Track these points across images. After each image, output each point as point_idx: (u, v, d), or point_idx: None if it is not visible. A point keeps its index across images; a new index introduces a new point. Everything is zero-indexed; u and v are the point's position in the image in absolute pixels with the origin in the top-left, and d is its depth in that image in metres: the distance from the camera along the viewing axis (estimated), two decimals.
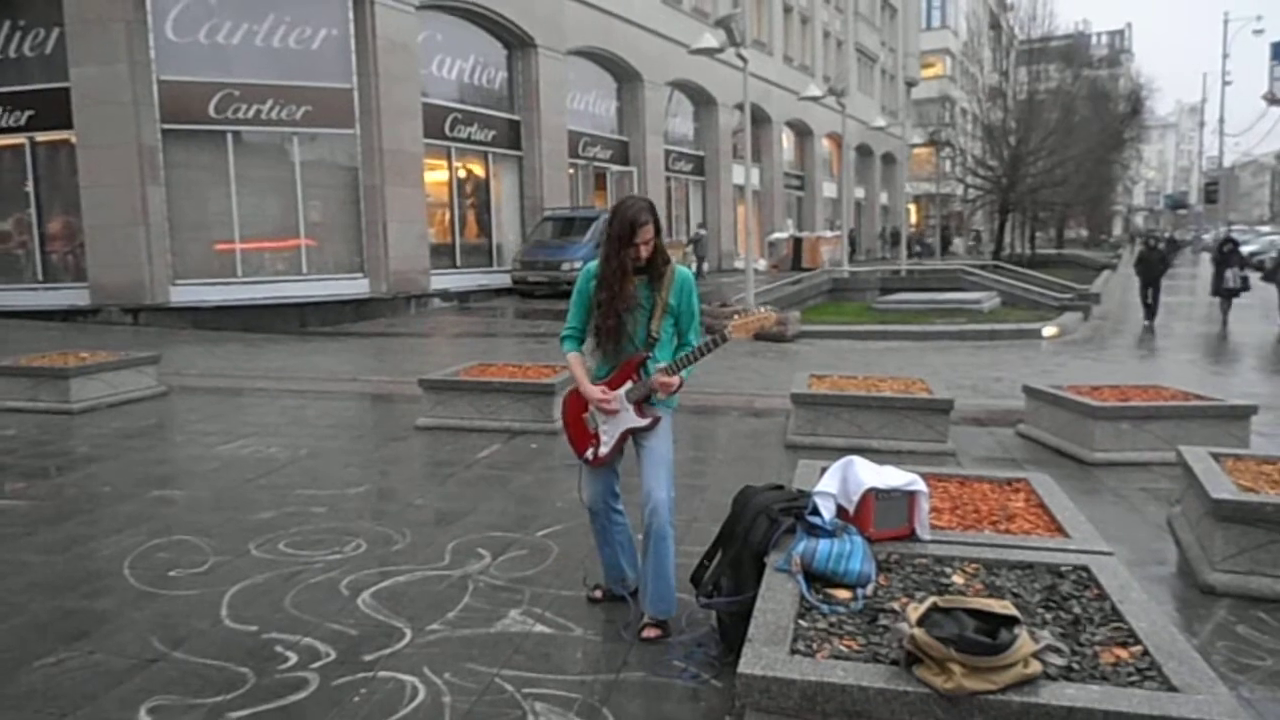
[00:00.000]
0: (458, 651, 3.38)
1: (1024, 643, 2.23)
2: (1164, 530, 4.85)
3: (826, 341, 14.36)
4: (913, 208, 53.71)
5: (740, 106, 18.77)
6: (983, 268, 25.83)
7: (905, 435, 6.68)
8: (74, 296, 16.07)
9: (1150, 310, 17.41)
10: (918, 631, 2.24)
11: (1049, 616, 2.68)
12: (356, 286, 17.43)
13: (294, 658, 3.33)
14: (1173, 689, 2.20)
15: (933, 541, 3.25)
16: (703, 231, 27.36)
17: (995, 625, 2.30)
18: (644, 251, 3.42)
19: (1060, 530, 3.44)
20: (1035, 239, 44.84)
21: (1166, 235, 34.41)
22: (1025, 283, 22.92)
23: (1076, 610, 2.72)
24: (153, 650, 3.40)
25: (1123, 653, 2.42)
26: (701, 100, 29.64)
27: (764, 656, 2.36)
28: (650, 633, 3.47)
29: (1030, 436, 7.06)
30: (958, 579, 2.99)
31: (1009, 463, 6.37)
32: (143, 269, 15.65)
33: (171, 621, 3.66)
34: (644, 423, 3.53)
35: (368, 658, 3.32)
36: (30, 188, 16.64)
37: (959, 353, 13.26)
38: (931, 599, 2.39)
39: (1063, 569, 3.04)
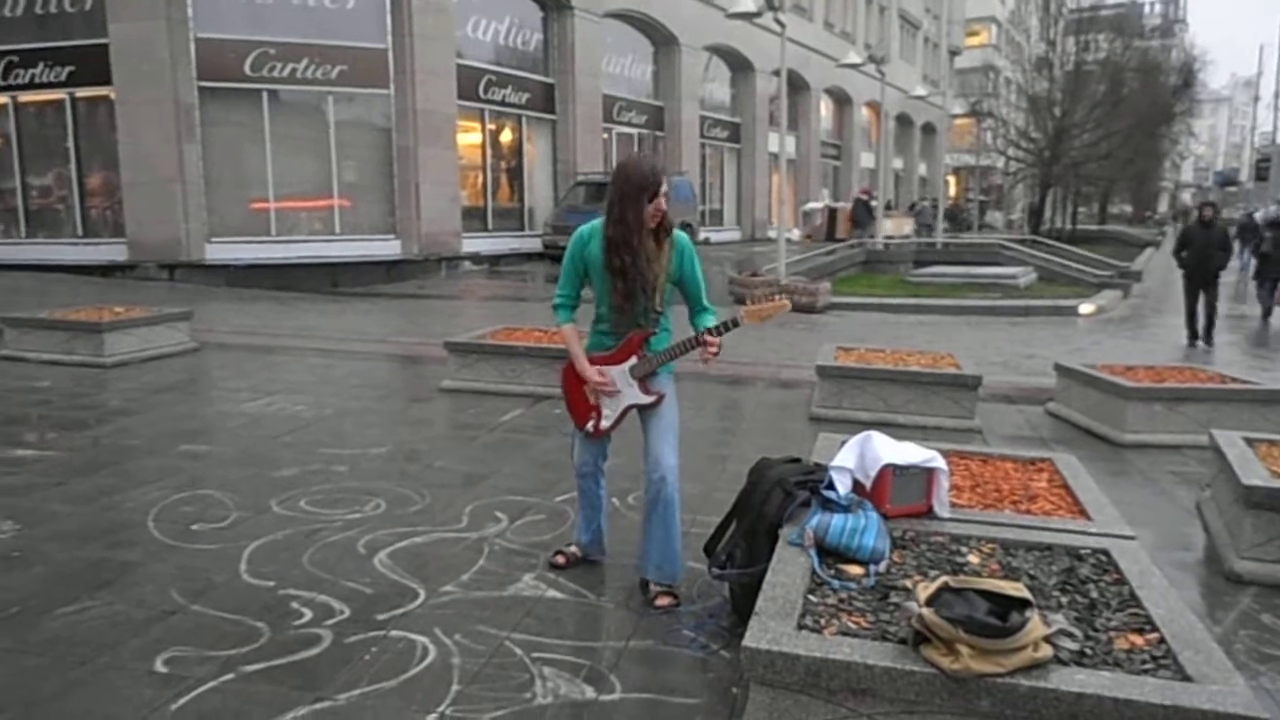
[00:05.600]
0: (470, 613, 3.40)
1: (1035, 626, 2.19)
2: (1193, 515, 4.75)
3: (857, 314, 14.21)
4: (952, 179, 52.81)
5: (778, 73, 18.46)
6: (1021, 242, 25.38)
7: (931, 411, 6.60)
8: (112, 252, 16.30)
9: (1201, 331, 11.50)
10: (926, 611, 2.20)
11: (1065, 600, 2.63)
12: (388, 248, 17.50)
13: (309, 614, 3.37)
14: (1187, 678, 2.15)
15: (950, 520, 3.21)
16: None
17: (1007, 607, 2.26)
18: (664, 204, 3.32)
19: (1082, 512, 3.38)
20: (1077, 214, 43.92)
21: (1250, 213, 23.92)
22: (1064, 258, 22.50)
23: (1093, 594, 2.67)
24: (172, 602, 3.46)
25: (1138, 639, 2.37)
26: (739, 66, 29.21)
27: (770, 630, 2.34)
28: (663, 600, 3.47)
29: (1060, 415, 6.95)
30: (973, 558, 2.94)
31: (1036, 441, 6.27)
32: (179, 226, 15.82)
33: (192, 574, 3.72)
34: (648, 400, 3.50)
35: (381, 617, 3.35)
36: (70, 143, 16.85)
37: (992, 328, 13.06)
38: (943, 578, 2.35)
39: (1082, 552, 2.98)
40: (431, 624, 3.30)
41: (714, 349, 3.41)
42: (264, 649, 3.11)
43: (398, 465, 5.38)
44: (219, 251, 16.19)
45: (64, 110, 16.77)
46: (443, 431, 6.35)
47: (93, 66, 15.92)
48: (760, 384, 8.18)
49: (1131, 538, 3.10)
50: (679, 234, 3.48)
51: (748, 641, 2.29)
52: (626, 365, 3.48)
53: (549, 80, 21.24)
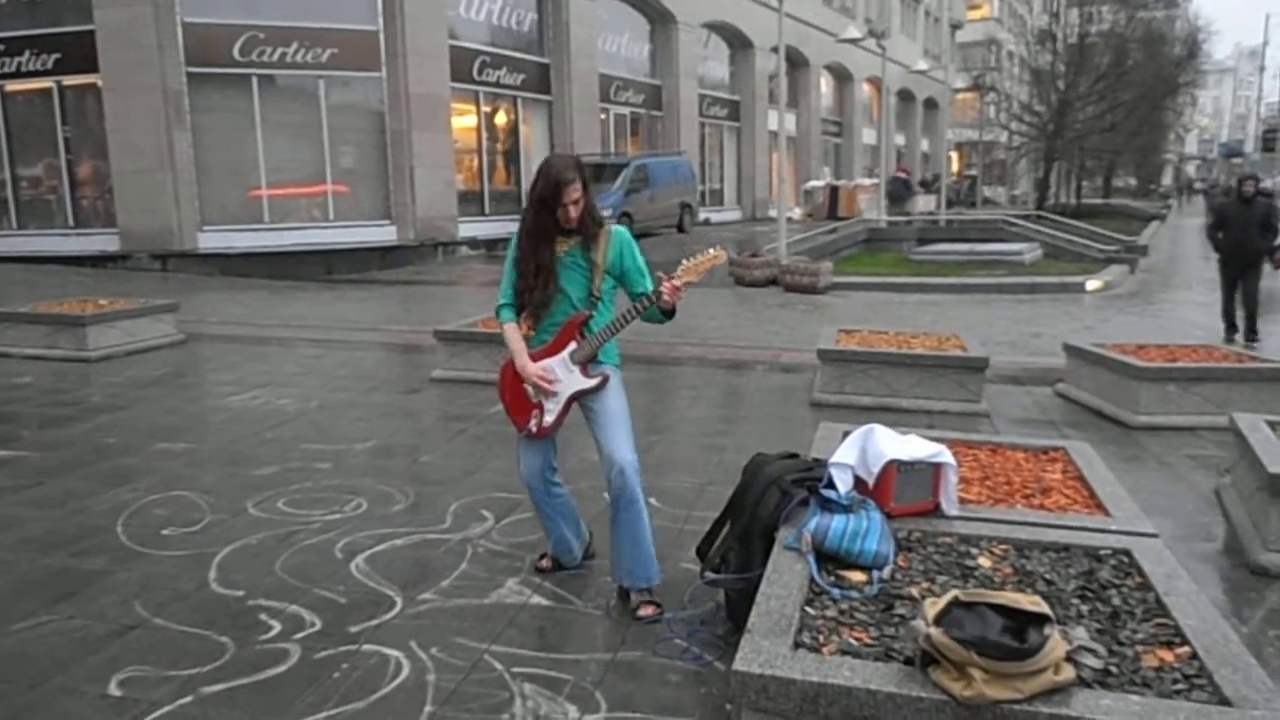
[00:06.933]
0: (448, 624, 3.20)
1: (1055, 645, 1.98)
2: (1212, 502, 4.54)
3: (859, 294, 13.95)
4: (954, 155, 52.28)
5: (777, 49, 18.11)
6: (1025, 218, 25.01)
7: (937, 394, 6.38)
8: (104, 242, 16.06)
9: (1243, 325, 9.84)
10: (934, 631, 1.99)
11: (1085, 608, 2.42)
12: (383, 233, 17.24)
13: (278, 627, 3.18)
14: (1225, 702, 1.94)
15: (959, 518, 2.99)
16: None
17: (1024, 624, 2.05)
18: (573, 212, 3.18)
19: (1100, 507, 3.16)
20: (1081, 188, 43.45)
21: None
22: (1069, 233, 22.15)
23: (1116, 601, 2.46)
24: (133, 615, 3.27)
25: (1168, 655, 2.16)
26: (737, 43, 28.78)
27: (763, 651, 2.13)
28: (646, 610, 3.25)
29: (1070, 397, 6.72)
30: (984, 561, 2.73)
31: (1046, 424, 6.06)
32: (170, 215, 15.58)
33: (157, 584, 3.53)
34: (592, 383, 3.30)
35: (354, 629, 3.16)
36: (59, 133, 16.59)
37: (998, 307, 12.80)
38: (952, 593, 2.14)
39: (1102, 552, 2.77)
40: (407, 636, 3.10)
41: (668, 293, 3.15)
42: (226, 667, 2.91)
43: (382, 461, 5.18)
44: (211, 240, 15.95)
45: (52, 99, 16.48)
46: (431, 424, 6.14)
47: (80, 54, 15.62)
48: (760, 368, 7.96)
49: (1154, 535, 2.89)
50: (616, 228, 3.34)
51: (738, 665, 2.08)
52: (566, 352, 3.28)
53: (544, 60, 20.88)
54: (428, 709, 2.68)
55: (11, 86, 16.60)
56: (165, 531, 4.07)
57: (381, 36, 16.73)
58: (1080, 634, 2.16)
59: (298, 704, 2.70)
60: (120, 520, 4.20)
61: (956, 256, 18.67)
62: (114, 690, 2.78)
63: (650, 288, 3.28)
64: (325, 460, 5.14)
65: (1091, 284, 14.93)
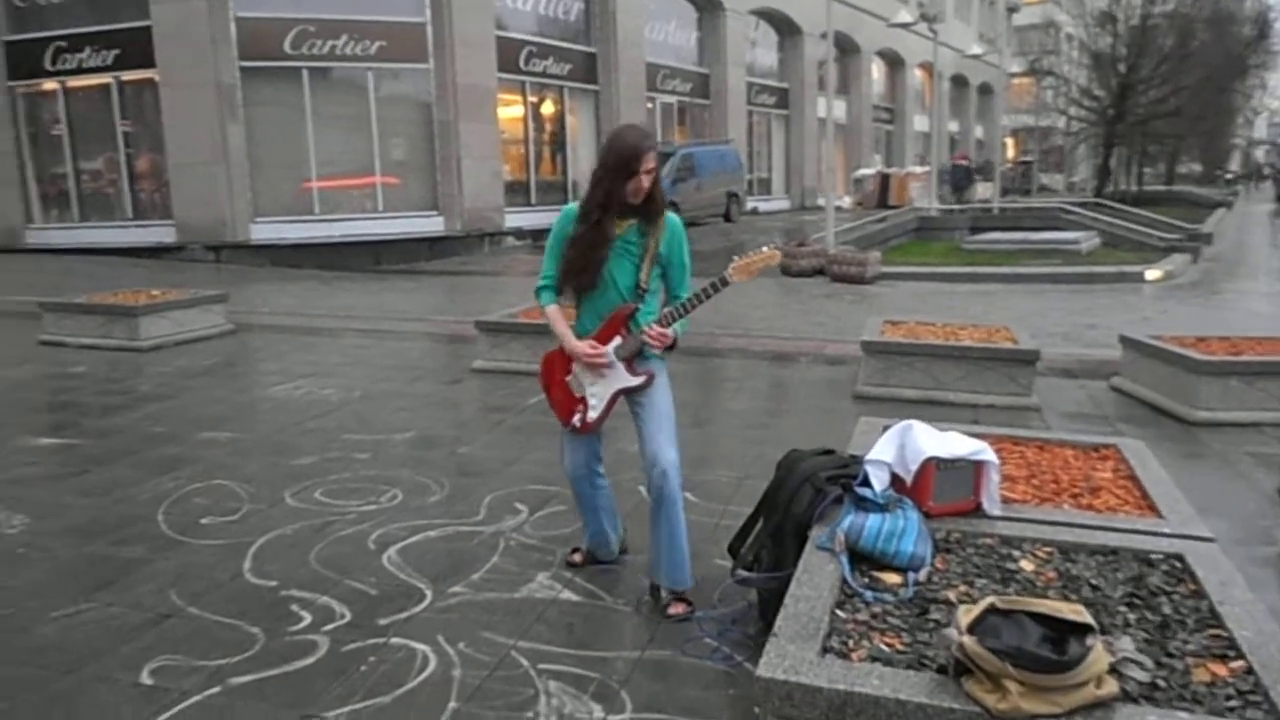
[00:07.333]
0: (477, 618, 3.17)
1: (1098, 657, 1.88)
2: (1275, 502, 4.34)
3: (908, 284, 13.68)
4: (1010, 141, 51.08)
5: (826, 35, 17.82)
6: (1083, 205, 24.34)
7: (985, 388, 6.20)
8: (161, 234, 16.44)
9: None
10: (968, 640, 1.90)
11: (1132, 617, 2.30)
12: (431, 224, 17.38)
13: (308, 618, 3.18)
14: None
15: (1001, 519, 2.88)
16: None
17: (1065, 633, 1.95)
18: (645, 182, 3.06)
19: (1152, 508, 3.02)
20: (1143, 175, 42.14)
21: None
22: (1129, 221, 21.49)
23: (1166, 610, 2.33)
24: (169, 604, 3.30)
25: (1221, 669, 2.04)
26: (786, 29, 28.42)
27: (789, 656, 2.06)
28: (676, 609, 3.19)
29: (1126, 391, 6.49)
30: (1027, 565, 2.62)
31: (1100, 420, 5.86)
32: (223, 207, 15.88)
33: (193, 573, 3.56)
34: (637, 381, 3.21)
35: (383, 622, 3.15)
36: (118, 127, 17.00)
37: (1052, 297, 12.45)
38: (989, 599, 2.04)
39: (1153, 557, 2.64)
40: (435, 630, 3.08)
41: (669, 336, 3.12)
42: (256, 658, 2.92)
43: (420, 451, 5.18)
44: (263, 231, 16.22)
45: (111, 94, 16.91)
46: (470, 415, 6.15)
47: (137, 49, 15.98)
48: (804, 360, 7.83)
49: (1210, 539, 2.75)
50: (672, 216, 3.23)
51: (762, 670, 2.01)
52: (611, 346, 3.19)
53: (591, 50, 20.83)
54: (452, 705, 2.65)
55: (73, 83, 17.05)
56: (204, 520, 4.11)
57: (429, 28, 16.83)
58: (1126, 645, 2.05)
59: (324, 697, 2.70)
60: (161, 509, 4.26)
61: (1010, 245, 18.23)
62: (145, 679, 2.80)
63: (683, 293, 3.22)
64: (364, 450, 5.17)
65: (1151, 273, 14.46)
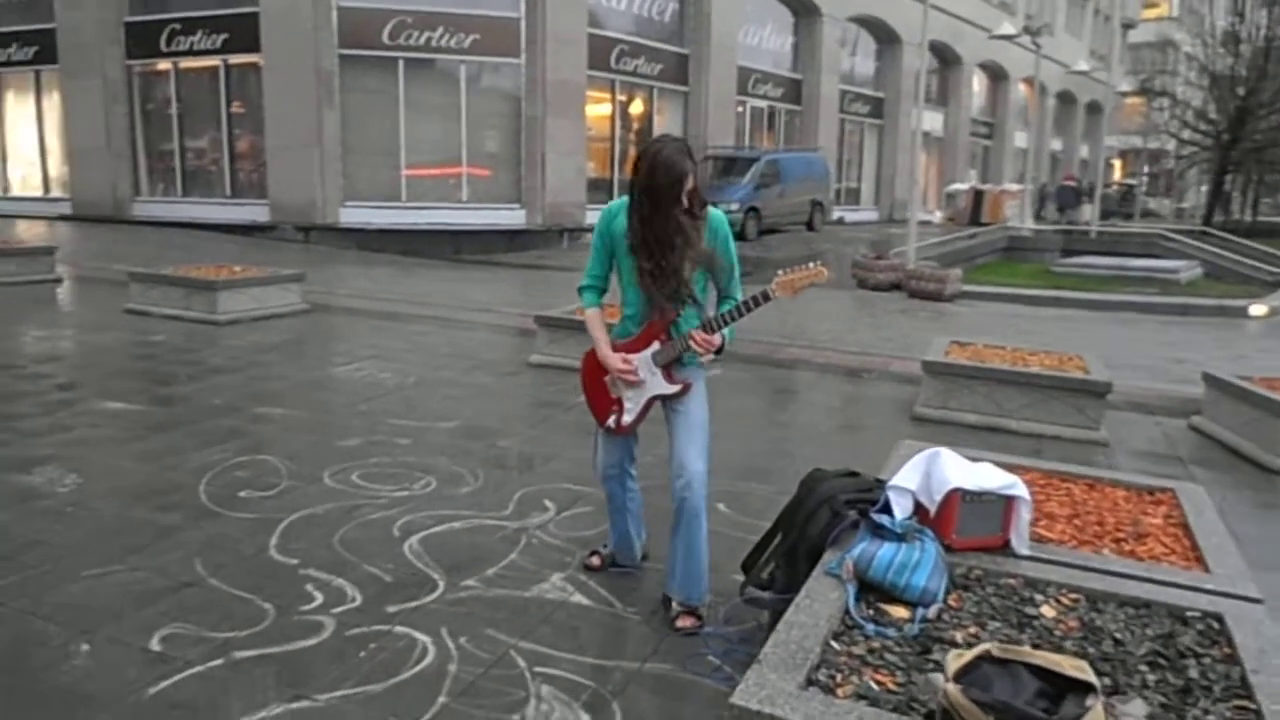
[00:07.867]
0: (483, 614, 3.15)
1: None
2: None
3: (989, 304, 13.24)
4: (1117, 163, 49.11)
5: (922, 44, 17.39)
6: (1187, 233, 23.22)
7: (1050, 418, 5.92)
8: (256, 213, 17.06)
9: None
10: (952, 688, 1.78)
11: (1153, 678, 2.13)
12: (512, 217, 17.60)
13: (320, 598, 3.21)
14: None
15: (1029, 558, 2.72)
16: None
17: (1064, 690, 1.81)
18: (685, 201, 2.94)
19: (1199, 560, 2.81)
20: (1259, 204, 39.99)
21: None
22: (1237, 253, 20.40)
23: (1193, 674, 2.15)
24: (192, 573, 3.38)
25: None
26: (885, 38, 27.86)
27: (767, 685, 1.97)
28: (685, 621, 3.11)
29: (1205, 432, 6.13)
30: (1048, 610, 2.46)
31: (1171, 460, 5.53)
32: (315, 190, 16.38)
33: (221, 544, 3.64)
34: (673, 389, 3.14)
35: (391, 609, 3.16)
36: (223, 108, 17.71)
37: (1143, 327, 11.90)
38: (984, 645, 1.92)
39: (1189, 614, 2.45)
40: (440, 622, 3.08)
41: (716, 341, 3.02)
42: (263, 634, 2.96)
43: (461, 441, 5.21)
44: (352, 215, 16.67)
45: (218, 76, 17.63)
46: (518, 408, 6.16)
47: (244, 34, 16.64)
48: (867, 376, 7.63)
49: (1257, 600, 2.53)
50: (715, 213, 3.11)
51: (736, 698, 1.93)
52: (649, 352, 3.13)
53: (683, 51, 20.79)
54: (441, 699, 2.63)
55: (185, 64, 17.83)
56: (242, 494, 4.21)
57: (523, 23, 17.04)
58: (1136, 709, 1.90)
59: (319, 679, 2.71)
60: (205, 479, 4.37)
61: (1103, 271, 17.50)
62: (155, 645, 2.87)
63: (737, 293, 3.13)
64: (406, 436, 5.22)
65: (1256, 309, 13.68)
